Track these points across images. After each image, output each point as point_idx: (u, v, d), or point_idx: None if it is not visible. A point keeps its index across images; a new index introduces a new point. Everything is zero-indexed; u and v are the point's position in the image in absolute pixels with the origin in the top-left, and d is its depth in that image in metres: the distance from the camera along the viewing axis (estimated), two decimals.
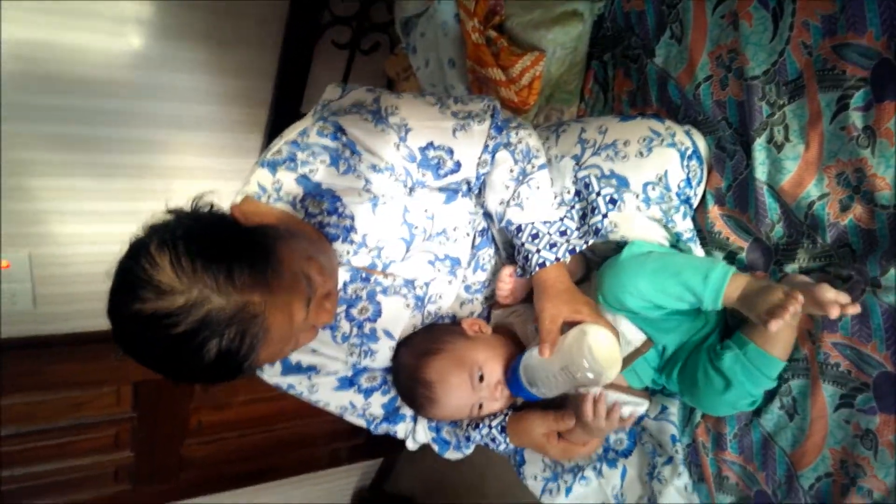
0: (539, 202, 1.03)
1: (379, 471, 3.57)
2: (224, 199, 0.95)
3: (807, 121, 0.93)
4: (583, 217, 1.06)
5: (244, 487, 3.15)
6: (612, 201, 1.03)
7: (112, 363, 2.37)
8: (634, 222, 1.05)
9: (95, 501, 2.80)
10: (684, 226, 1.06)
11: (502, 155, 1.03)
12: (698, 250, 1.07)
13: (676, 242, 1.08)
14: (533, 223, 1.03)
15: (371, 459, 3.48)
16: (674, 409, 1.19)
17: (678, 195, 1.03)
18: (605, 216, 1.04)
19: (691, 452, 1.18)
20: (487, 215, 1.12)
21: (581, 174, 1.05)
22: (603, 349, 0.96)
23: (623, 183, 1.03)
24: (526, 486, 1.33)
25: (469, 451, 1.22)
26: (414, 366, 1.10)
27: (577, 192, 1.06)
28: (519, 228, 1.04)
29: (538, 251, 1.03)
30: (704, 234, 1.08)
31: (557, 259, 1.03)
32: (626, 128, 1.07)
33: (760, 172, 0.98)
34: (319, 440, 3.20)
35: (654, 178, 1.02)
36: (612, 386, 1.09)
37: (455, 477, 2.88)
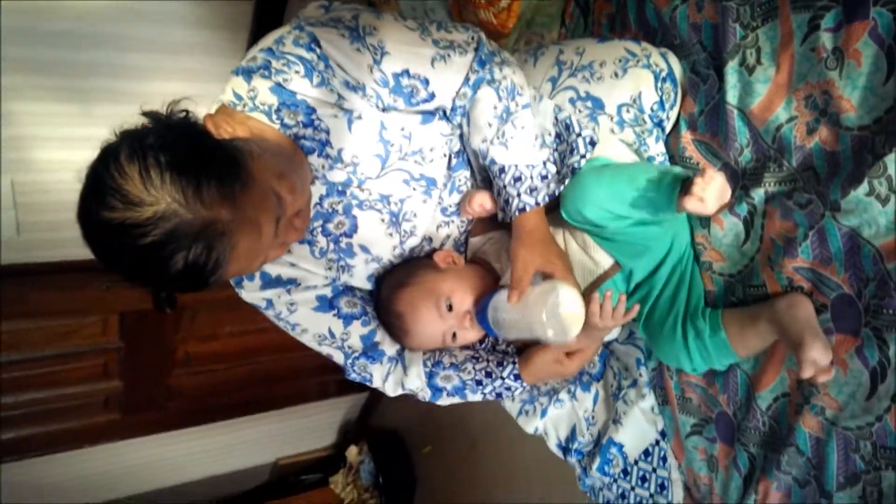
0: (522, 143, 1.03)
1: (365, 404, 3.65)
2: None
3: (778, 43, 0.92)
4: (562, 159, 1.06)
5: (233, 419, 3.22)
6: (592, 143, 1.03)
7: (99, 293, 2.39)
8: (607, 146, 1.06)
9: (85, 430, 2.85)
10: (656, 149, 1.06)
11: (485, 91, 1.02)
12: None
13: None
14: (516, 165, 1.03)
15: (358, 393, 3.55)
16: (641, 334, 1.22)
17: (651, 118, 1.03)
18: (583, 157, 1.04)
19: (657, 375, 1.22)
20: (464, 139, 1.12)
21: (562, 116, 1.05)
22: (567, 310, 0.97)
23: (598, 105, 1.04)
24: (505, 409, 1.37)
25: (473, 398, 1.20)
26: (387, 298, 1.13)
27: (558, 135, 1.06)
28: (502, 169, 1.04)
29: (519, 195, 1.03)
30: (675, 160, 1.09)
31: (537, 203, 1.03)
32: (603, 49, 1.06)
33: (731, 96, 0.98)
34: (307, 373, 3.25)
35: (628, 99, 1.02)
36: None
37: (440, 411, 2.92)
